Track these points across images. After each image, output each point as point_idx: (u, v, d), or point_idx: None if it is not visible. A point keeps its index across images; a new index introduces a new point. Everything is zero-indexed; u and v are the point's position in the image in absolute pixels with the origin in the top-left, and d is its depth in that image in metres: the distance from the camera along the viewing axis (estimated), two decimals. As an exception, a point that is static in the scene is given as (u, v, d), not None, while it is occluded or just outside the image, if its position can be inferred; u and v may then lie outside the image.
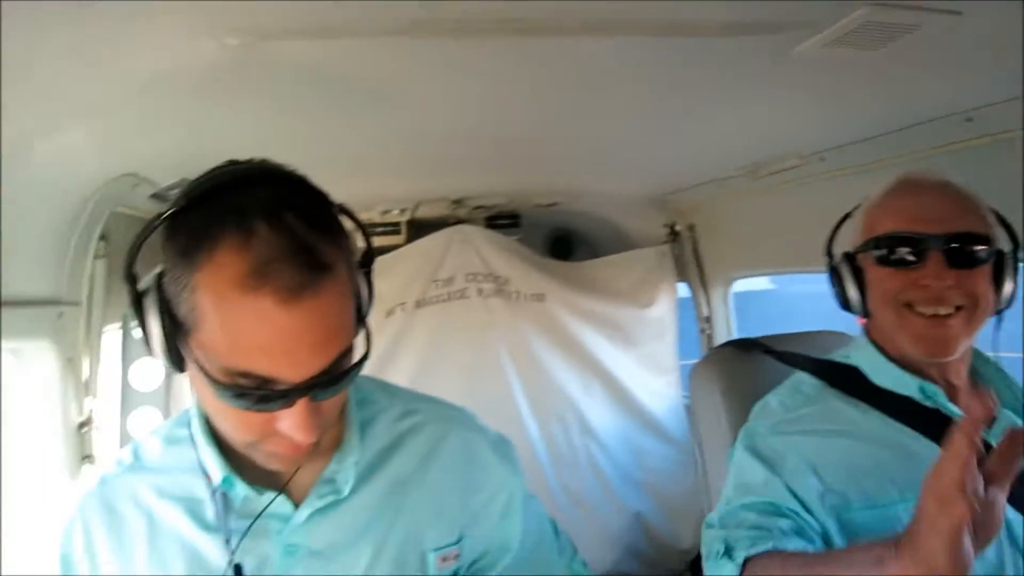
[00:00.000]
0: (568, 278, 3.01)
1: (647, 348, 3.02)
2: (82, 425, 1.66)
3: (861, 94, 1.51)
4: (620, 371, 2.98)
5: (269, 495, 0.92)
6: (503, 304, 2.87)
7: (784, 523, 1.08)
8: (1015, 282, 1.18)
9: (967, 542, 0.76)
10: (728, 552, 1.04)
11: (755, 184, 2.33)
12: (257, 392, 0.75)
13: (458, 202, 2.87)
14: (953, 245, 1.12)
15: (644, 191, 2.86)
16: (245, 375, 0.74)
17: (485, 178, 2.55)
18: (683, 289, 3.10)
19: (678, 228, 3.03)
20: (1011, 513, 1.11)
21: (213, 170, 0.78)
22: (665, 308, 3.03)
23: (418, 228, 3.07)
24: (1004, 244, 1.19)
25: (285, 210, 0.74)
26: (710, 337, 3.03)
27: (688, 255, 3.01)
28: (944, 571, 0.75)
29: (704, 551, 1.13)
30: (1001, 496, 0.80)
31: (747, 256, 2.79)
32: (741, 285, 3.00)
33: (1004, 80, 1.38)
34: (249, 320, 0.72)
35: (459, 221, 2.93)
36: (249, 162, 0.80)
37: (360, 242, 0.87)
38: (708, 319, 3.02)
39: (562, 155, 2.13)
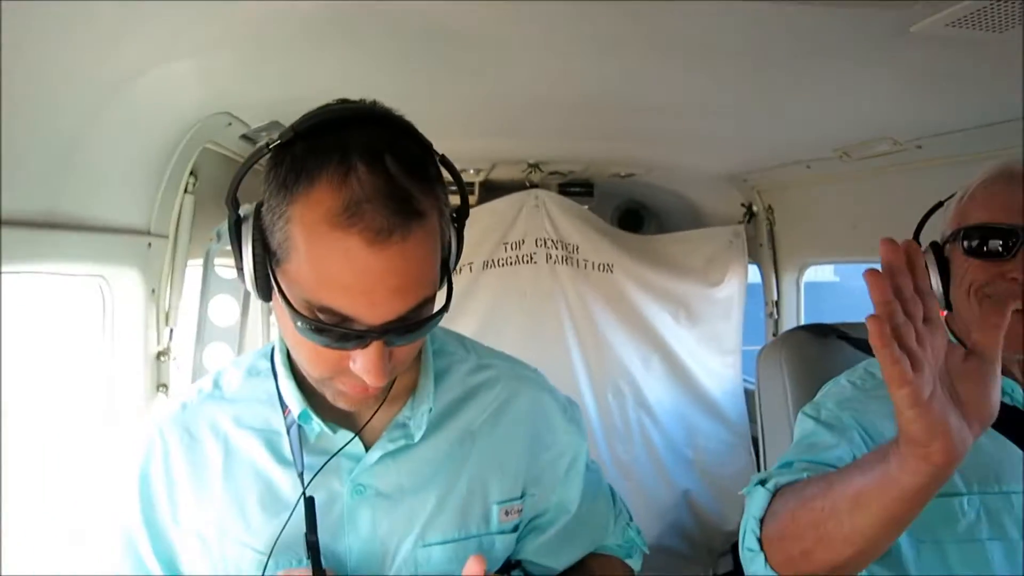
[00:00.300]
0: (638, 251, 2.98)
1: (711, 327, 2.98)
2: (160, 355, 1.73)
3: (974, 80, 1.44)
4: (681, 348, 2.96)
5: (343, 433, 0.95)
6: (570, 272, 2.87)
7: None
8: None
9: (938, 412, 0.73)
10: (763, 481, 1.03)
11: (843, 168, 2.25)
12: (335, 329, 0.76)
13: (534, 166, 2.86)
14: None
15: (724, 168, 2.79)
16: (325, 311, 0.76)
17: (562, 144, 2.53)
18: (753, 272, 3.04)
19: (755, 208, 2.95)
20: None
21: (324, 107, 0.79)
22: (734, 289, 2.98)
23: (491, 190, 3.08)
24: None
25: (386, 153, 0.75)
26: (777, 322, 2.97)
27: (763, 237, 2.94)
28: (924, 442, 0.73)
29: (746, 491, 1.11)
30: (988, 367, 0.77)
31: (824, 242, 2.70)
32: (806, 276, 2.93)
33: None
34: (335, 257, 0.73)
35: (533, 185, 2.93)
36: (360, 102, 0.81)
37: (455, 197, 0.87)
38: (777, 303, 2.96)
39: (643, 125, 2.09)
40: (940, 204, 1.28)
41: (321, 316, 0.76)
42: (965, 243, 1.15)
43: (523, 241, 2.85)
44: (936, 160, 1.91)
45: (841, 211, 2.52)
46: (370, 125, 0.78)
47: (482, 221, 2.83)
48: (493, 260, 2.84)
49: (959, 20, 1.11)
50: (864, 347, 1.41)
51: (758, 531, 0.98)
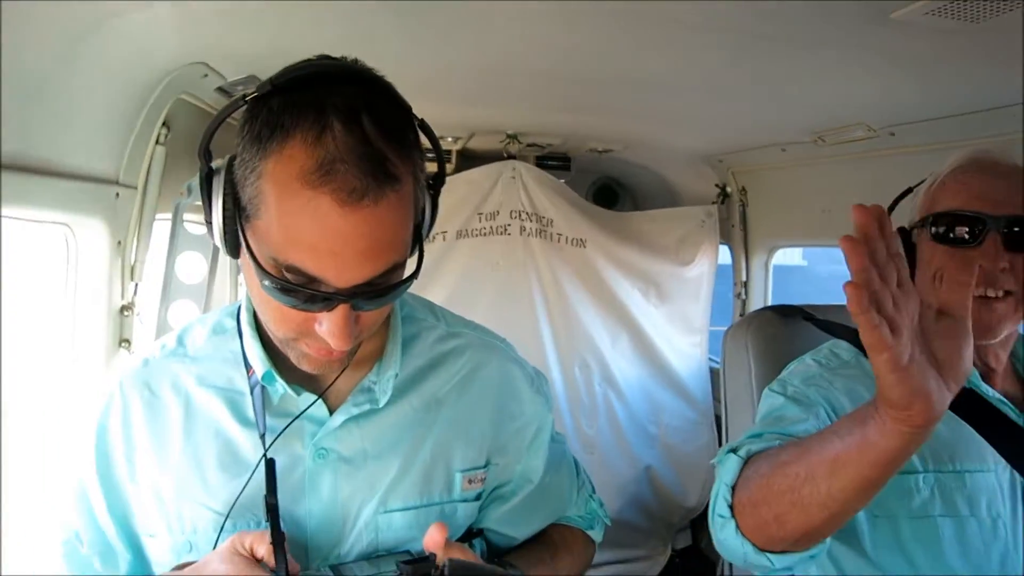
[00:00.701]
0: (612, 227, 2.98)
1: (680, 306, 3.01)
2: (124, 309, 1.69)
3: (949, 69, 1.46)
4: (650, 326, 2.98)
5: (307, 396, 0.94)
6: (543, 245, 2.87)
7: None
8: None
9: (918, 374, 0.75)
10: (735, 450, 1.04)
11: (817, 152, 2.27)
12: (302, 290, 0.76)
13: (512, 137, 2.84)
14: (1013, 228, 1.10)
15: (700, 148, 2.80)
16: (292, 270, 0.75)
17: (541, 116, 2.51)
18: (724, 253, 3.07)
19: (729, 189, 2.97)
20: None
21: (304, 62, 0.78)
22: (704, 268, 3.01)
23: (469, 159, 3.05)
24: None
25: (364, 113, 0.74)
26: (744, 303, 3.01)
27: (735, 218, 2.96)
28: (905, 405, 0.75)
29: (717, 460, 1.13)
30: (959, 327, 0.79)
31: (795, 226, 2.73)
32: (775, 259, 2.97)
33: None
34: (305, 216, 0.72)
35: (510, 157, 2.91)
36: (341, 60, 0.79)
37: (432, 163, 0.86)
38: (745, 284, 2.99)
39: (621, 101, 2.08)
40: (909, 190, 1.30)
41: (288, 276, 0.75)
42: (933, 229, 1.17)
43: (498, 212, 2.84)
44: (909, 147, 1.93)
45: (813, 195, 2.54)
46: (350, 84, 0.76)
47: (458, 190, 2.81)
48: (467, 230, 2.82)
49: (939, 9, 1.11)
50: (828, 328, 1.43)
51: (730, 497, 0.99)
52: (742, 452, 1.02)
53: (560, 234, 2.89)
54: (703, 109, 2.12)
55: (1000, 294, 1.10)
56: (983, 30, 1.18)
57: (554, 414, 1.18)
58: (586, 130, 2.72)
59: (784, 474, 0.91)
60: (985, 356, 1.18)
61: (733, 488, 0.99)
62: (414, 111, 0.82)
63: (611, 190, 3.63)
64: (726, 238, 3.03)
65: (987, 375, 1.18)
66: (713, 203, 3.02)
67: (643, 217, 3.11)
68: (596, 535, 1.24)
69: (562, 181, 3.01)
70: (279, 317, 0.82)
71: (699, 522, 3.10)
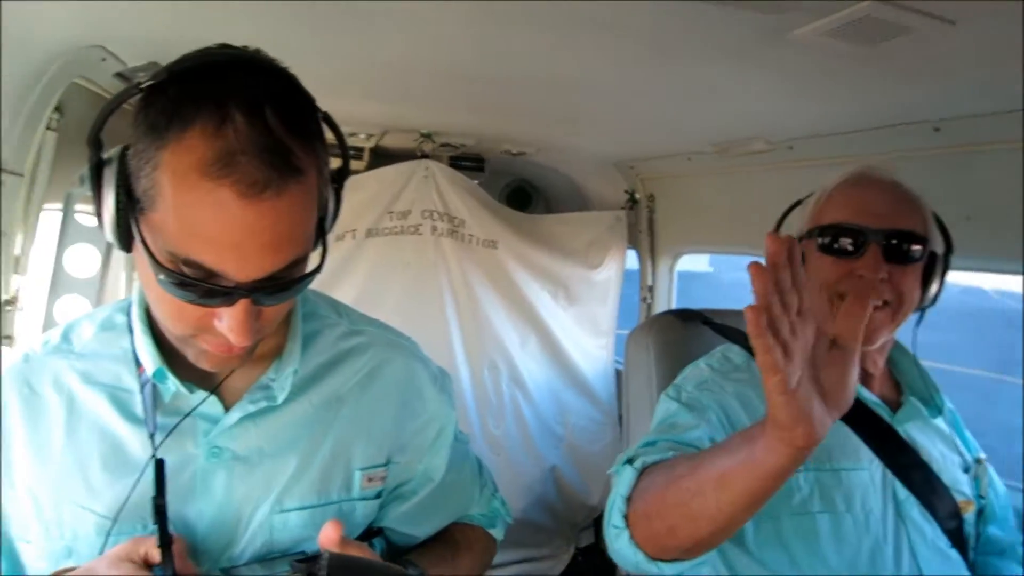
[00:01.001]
0: (523, 229, 3.00)
1: (588, 309, 3.07)
2: (7, 303, 1.59)
3: (843, 89, 1.53)
4: (558, 328, 3.02)
5: (200, 394, 0.91)
6: (455, 245, 2.85)
7: None
8: (942, 284, 1.25)
9: (804, 399, 0.79)
10: (631, 460, 1.07)
11: (721, 163, 2.35)
12: (200, 284, 0.73)
13: (427, 136, 2.81)
14: (892, 241, 1.17)
15: (611, 153, 2.86)
16: (191, 264, 0.72)
17: (456, 116, 2.50)
18: (631, 258, 3.14)
19: (638, 196, 3.04)
20: (903, 491, 1.20)
21: (204, 49, 0.75)
22: (612, 272, 3.07)
23: (381, 156, 3.01)
24: (939, 248, 1.25)
25: (267, 105, 0.72)
26: (650, 306, 3.09)
27: (643, 224, 3.04)
28: (790, 427, 0.78)
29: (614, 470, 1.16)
30: (848, 357, 0.83)
31: (699, 233, 2.83)
32: (683, 265, 3.05)
33: (977, 94, 1.43)
34: (205, 208, 0.70)
35: (424, 156, 2.88)
36: (242, 49, 0.76)
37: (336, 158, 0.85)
38: (651, 289, 3.07)
39: (535, 104, 2.09)
40: (798, 203, 1.37)
41: (186, 270, 0.73)
42: (819, 240, 1.23)
43: (410, 211, 2.81)
44: (807, 160, 2.03)
45: (718, 204, 2.64)
46: (252, 74, 0.74)
47: (369, 188, 2.77)
48: (378, 228, 2.77)
49: (836, 30, 1.16)
50: (724, 332, 1.49)
51: (625, 509, 1.01)
52: (637, 464, 1.05)
53: (472, 235, 2.89)
54: (614, 115, 2.15)
55: (879, 303, 1.17)
56: (876, 54, 1.24)
57: (461, 415, 1.18)
58: (500, 132, 2.73)
59: (677, 488, 0.94)
60: (864, 362, 1.25)
61: (628, 499, 1.02)
62: (326, 106, 0.80)
63: (524, 192, 3.65)
64: (634, 243, 3.10)
65: (866, 380, 1.26)
66: (622, 208, 3.08)
67: (554, 220, 3.15)
68: (498, 533, 1.24)
69: (475, 182, 3.01)
70: (175, 313, 0.78)
71: (602, 520, 3.14)
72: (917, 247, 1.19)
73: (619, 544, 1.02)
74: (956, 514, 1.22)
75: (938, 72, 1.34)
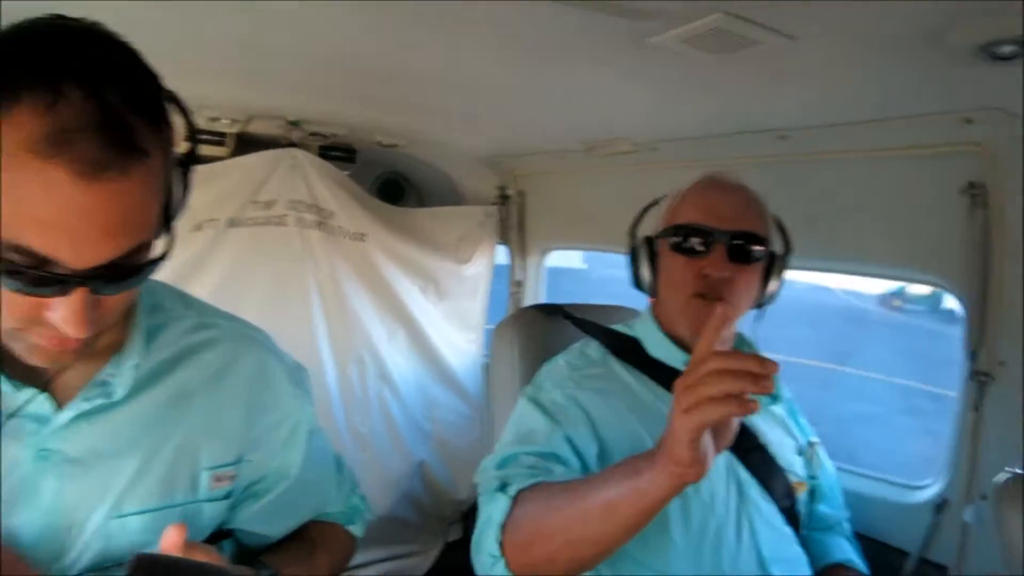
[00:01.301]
0: (393, 222, 2.95)
1: (457, 304, 3.06)
2: None
3: (701, 95, 1.60)
4: (427, 322, 2.99)
5: (28, 392, 0.83)
6: (322, 238, 2.76)
7: (560, 469, 1.16)
8: (780, 282, 1.35)
9: (707, 442, 0.88)
10: (503, 487, 1.10)
11: (591, 162, 2.41)
12: (31, 272, 0.67)
13: (295, 124, 2.70)
14: (736, 241, 1.26)
15: (484, 149, 2.86)
16: (19, 250, 0.66)
17: (327, 105, 2.41)
18: (502, 253, 3.16)
19: (509, 192, 3.07)
20: (744, 474, 1.28)
21: (35, 20, 0.68)
22: (481, 267, 3.07)
23: (246, 143, 2.86)
24: (779, 249, 1.36)
25: (106, 80, 0.66)
26: (519, 302, 3.13)
27: (513, 219, 3.07)
28: (688, 465, 0.87)
29: (480, 489, 1.19)
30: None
31: (569, 230, 2.89)
32: (555, 261, 3.11)
33: (819, 106, 1.55)
34: (35, 189, 0.64)
35: (292, 144, 2.77)
36: (79, 21, 0.70)
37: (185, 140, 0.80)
38: (520, 284, 3.11)
39: (407, 96, 2.05)
40: (654, 203, 1.43)
41: (14, 256, 0.66)
42: (671, 240, 1.31)
43: (275, 201, 2.67)
44: (670, 163, 2.12)
45: (587, 202, 2.71)
46: (89, 47, 0.68)
47: (232, 176, 2.61)
48: (240, 219, 2.62)
49: (692, 39, 1.21)
50: (583, 326, 1.53)
51: (500, 537, 1.05)
52: (511, 491, 1.09)
53: (340, 227, 2.80)
54: (485, 111, 2.16)
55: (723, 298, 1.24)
56: (730, 63, 1.31)
57: (326, 411, 1.15)
58: (373, 123, 2.66)
59: (560, 516, 1.01)
60: None
61: (503, 527, 1.06)
62: (183, 88, 0.75)
63: (397, 185, 3.59)
64: (505, 239, 3.12)
65: None
66: (493, 204, 3.09)
67: (426, 214, 3.11)
68: (357, 530, 1.22)
69: (346, 173, 2.92)
70: (4, 304, 0.71)
71: (470, 515, 3.17)
72: (759, 248, 1.28)
73: (496, 571, 1.06)
74: (790, 494, 1.32)
75: (784, 84, 1.43)
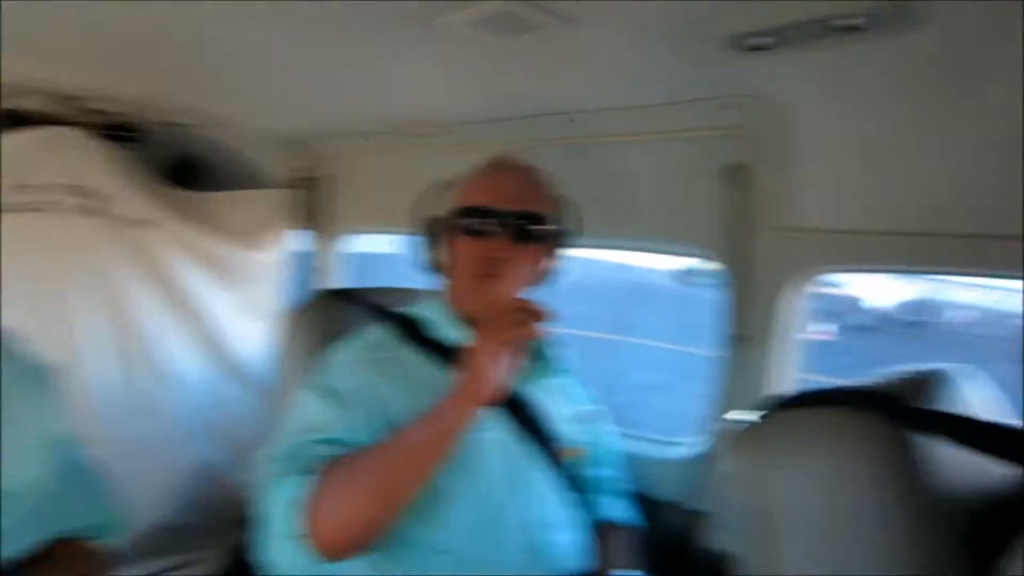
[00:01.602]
0: (182, 207, 2.74)
1: (250, 292, 2.89)
2: None
3: (491, 78, 1.63)
4: (215, 313, 2.81)
5: None
6: (97, 225, 2.49)
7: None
8: (559, 261, 1.42)
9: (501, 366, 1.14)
10: (292, 469, 1.12)
11: (398, 143, 2.38)
12: None
13: (72, 99, 2.40)
14: (520, 221, 1.30)
15: (285, 130, 2.72)
16: None
17: (109, 80, 2.15)
18: (307, 239, 3.04)
19: (313, 174, 2.95)
20: (527, 444, 1.34)
21: None
22: (276, 254, 2.95)
23: (13, 121, 2.50)
24: (563, 228, 1.40)
25: None
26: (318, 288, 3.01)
27: (314, 203, 2.96)
28: (485, 382, 1.12)
29: (263, 479, 1.17)
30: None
31: (376, 213, 2.81)
32: (363, 246, 3.03)
33: (603, 90, 1.63)
34: None
35: (69, 123, 2.46)
36: None
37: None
38: (321, 270, 3.00)
39: (199, 73, 1.90)
40: (439, 185, 1.45)
41: None
42: (460, 222, 1.32)
43: (45, 185, 2.39)
44: (466, 145, 2.13)
45: (394, 185, 2.64)
46: None
47: None
48: (5, 204, 2.30)
49: (478, 21, 1.23)
50: (373, 310, 1.52)
51: (300, 516, 1.07)
52: (300, 469, 1.11)
53: (120, 213, 2.55)
54: (287, 91, 2.06)
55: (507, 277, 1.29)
56: (518, 47, 1.34)
57: (90, 416, 1.03)
58: (161, 100, 2.43)
59: (367, 473, 1.09)
60: None
61: (304, 505, 1.08)
62: None
63: (191, 167, 3.32)
64: (309, 223, 3.00)
65: None
66: (293, 187, 2.96)
67: (218, 198, 2.90)
68: (113, 543, 1.17)
69: (129, 155, 2.66)
70: None
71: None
72: (541, 228, 1.32)
73: (292, 553, 1.08)
74: (566, 460, 1.38)
75: (569, 68, 1.49)
